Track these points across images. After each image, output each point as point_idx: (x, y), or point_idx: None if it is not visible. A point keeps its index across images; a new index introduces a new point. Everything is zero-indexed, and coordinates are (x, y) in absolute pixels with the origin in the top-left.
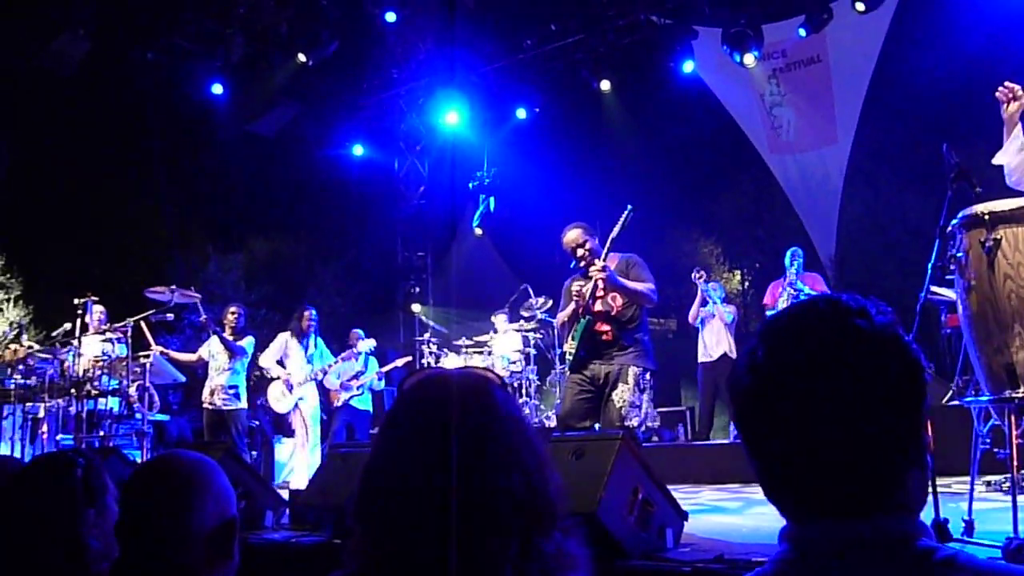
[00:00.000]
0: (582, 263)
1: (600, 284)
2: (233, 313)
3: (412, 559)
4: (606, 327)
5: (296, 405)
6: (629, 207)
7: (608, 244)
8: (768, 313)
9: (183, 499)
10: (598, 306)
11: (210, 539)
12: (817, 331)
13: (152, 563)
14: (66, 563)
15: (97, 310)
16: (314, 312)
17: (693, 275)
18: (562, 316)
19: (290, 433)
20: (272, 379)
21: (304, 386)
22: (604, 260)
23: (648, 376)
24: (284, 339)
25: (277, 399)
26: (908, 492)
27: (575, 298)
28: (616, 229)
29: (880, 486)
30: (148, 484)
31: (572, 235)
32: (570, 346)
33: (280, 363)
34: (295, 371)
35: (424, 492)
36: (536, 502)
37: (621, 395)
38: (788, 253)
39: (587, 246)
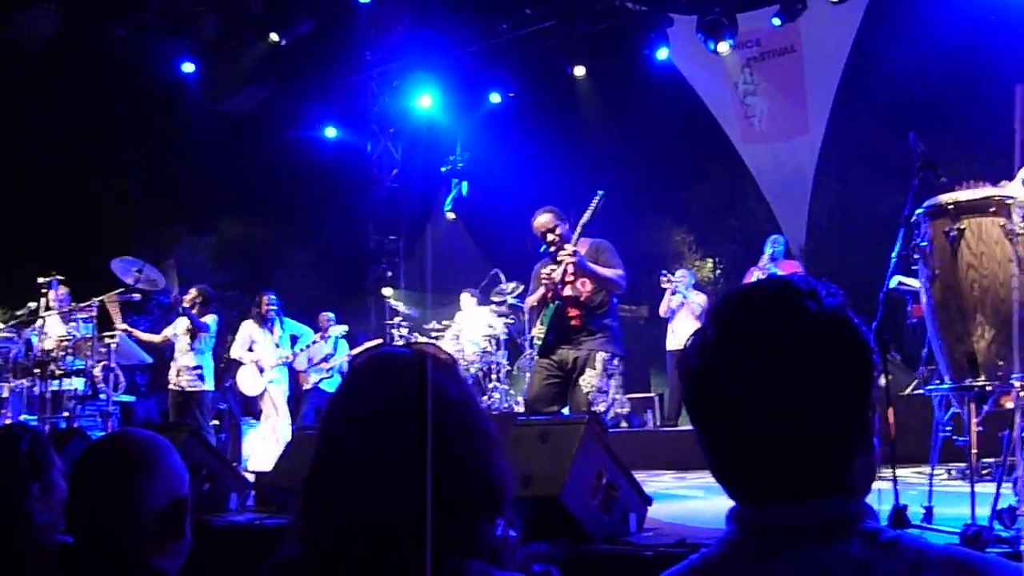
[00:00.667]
0: (552, 248)
1: (570, 269)
2: (193, 295)
3: (357, 541)
4: (575, 312)
5: (265, 388)
6: (600, 193)
7: (579, 230)
8: None
9: (132, 478)
10: (567, 291)
11: (160, 518)
12: (766, 311)
13: (101, 541)
14: (12, 534)
15: (62, 290)
16: (273, 297)
17: (661, 281)
18: (531, 300)
19: (258, 416)
20: (243, 363)
21: (275, 369)
22: (575, 245)
23: (616, 362)
24: (248, 328)
25: (247, 382)
26: (854, 474)
27: (544, 283)
28: (587, 215)
29: (826, 469)
30: (97, 463)
31: (542, 219)
32: (539, 330)
33: (250, 350)
34: (265, 355)
35: (369, 472)
36: (481, 487)
37: (588, 380)
38: (769, 240)
39: (557, 231)
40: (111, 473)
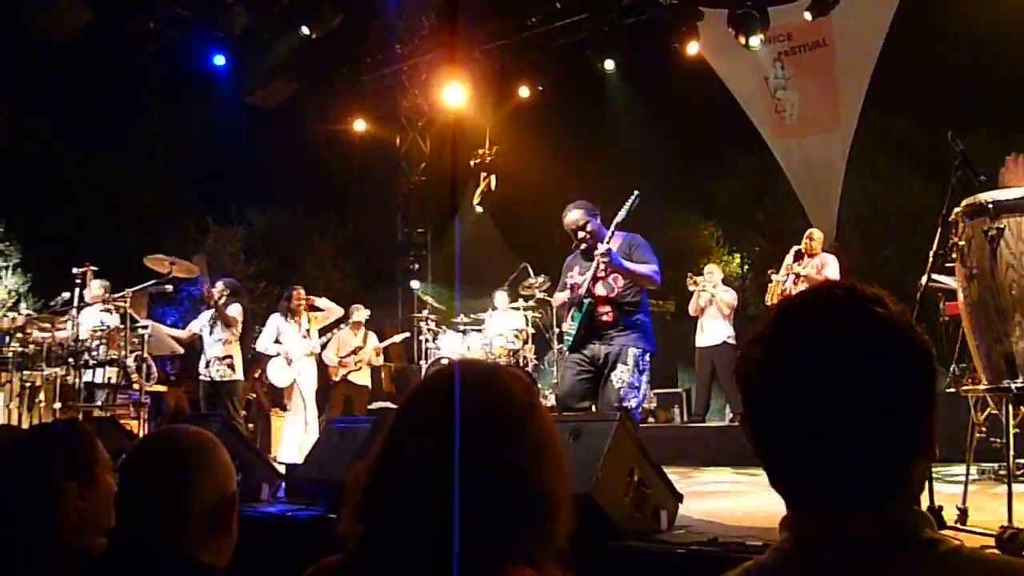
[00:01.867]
0: (583, 246)
1: (602, 265)
2: (220, 288)
3: (406, 546)
4: (607, 308)
5: (294, 380)
6: (636, 193)
7: (612, 229)
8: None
9: (183, 474)
10: (599, 288)
11: (209, 514)
12: (834, 316)
13: (150, 538)
14: (42, 537)
15: (98, 284)
16: (302, 291)
17: (687, 283)
18: (560, 297)
19: (285, 407)
20: (272, 355)
21: (303, 361)
22: (608, 242)
23: (648, 358)
24: (275, 321)
25: (276, 373)
26: (914, 482)
27: (569, 289)
28: (621, 214)
29: (889, 476)
30: (148, 459)
31: (572, 216)
32: (569, 326)
33: (277, 342)
34: (292, 347)
35: (425, 483)
36: (527, 501)
37: (620, 376)
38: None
39: (588, 228)
40: (162, 470)
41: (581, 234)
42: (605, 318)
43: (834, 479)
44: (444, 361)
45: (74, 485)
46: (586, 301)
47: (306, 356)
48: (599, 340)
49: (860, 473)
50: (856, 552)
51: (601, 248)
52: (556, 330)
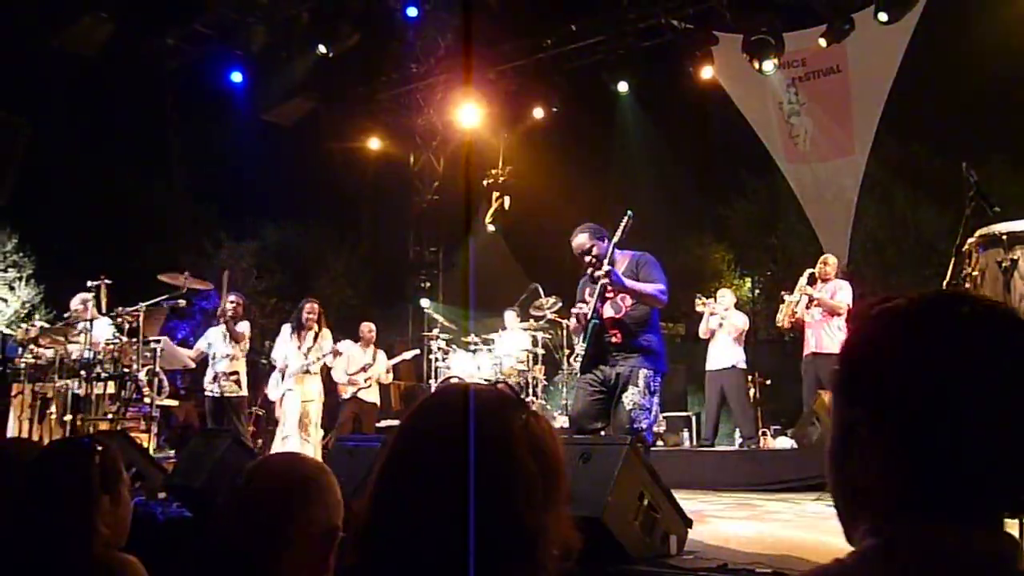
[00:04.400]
0: (589, 269)
1: (608, 286)
2: (233, 302)
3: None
4: (615, 330)
5: (283, 395)
6: (629, 213)
7: (610, 251)
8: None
9: (298, 501)
10: (607, 310)
11: (312, 547)
12: (1009, 330)
13: (253, 557)
14: (75, 549)
15: (78, 298)
16: (315, 305)
17: (696, 304)
18: (572, 323)
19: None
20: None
21: (296, 377)
22: (610, 263)
23: (659, 379)
24: (284, 333)
25: (271, 387)
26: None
27: (575, 319)
28: (616, 236)
29: (1006, 496)
30: (263, 484)
31: (578, 240)
32: (580, 347)
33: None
34: (291, 362)
35: (426, 511)
36: (512, 536)
37: (631, 397)
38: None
39: (594, 251)
40: (277, 494)
41: (587, 258)
42: (614, 339)
43: (970, 493)
44: (454, 380)
45: (107, 499)
46: (593, 323)
47: (299, 373)
48: (609, 361)
49: (995, 490)
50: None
51: (602, 270)
52: (566, 350)
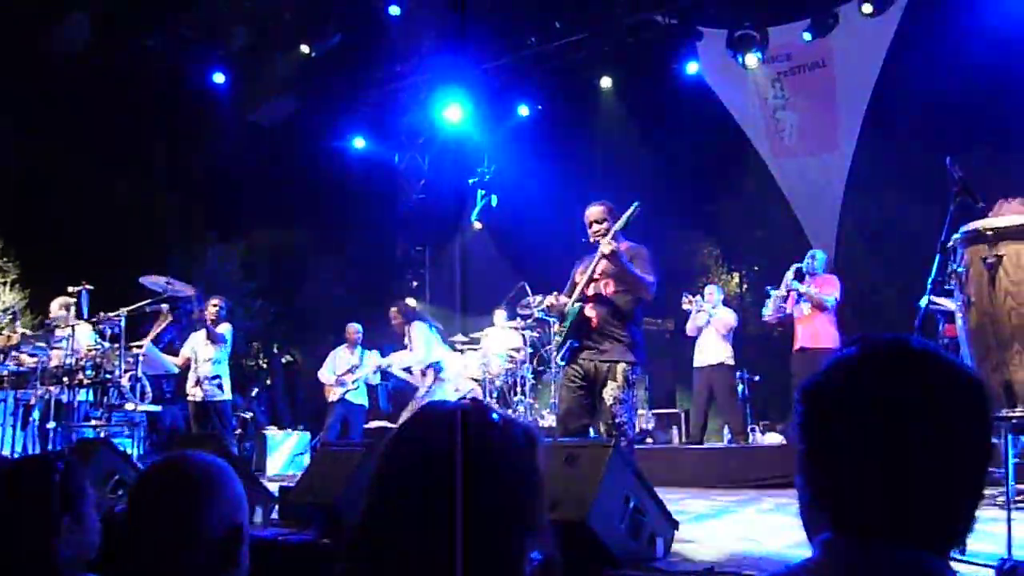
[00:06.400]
0: (595, 237)
1: (599, 268)
2: (215, 305)
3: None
4: (594, 312)
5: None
6: (636, 204)
7: (614, 230)
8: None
9: (190, 503)
10: (591, 290)
11: (216, 546)
12: (916, 368)
13: (157, 567)
14: (33, 571)
15: (58, 303)
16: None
17: (683, 302)
18: (550, 299)
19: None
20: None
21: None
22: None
23: (638, 371)
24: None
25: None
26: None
27: (556, 296)
28: (620, 223)
29: (954, 521)
30: (158, 485)
31: (593, 210)
32: (559, 329)
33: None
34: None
35: (415, 528)
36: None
37: (611, 392)
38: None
39: (605, 225)
40: (169, 498)
41: (596, 227)
42: (592, 323)
43: (906, 518)
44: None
45: (68, 518)
46: (576, 305)
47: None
48: (589, 349)
49: (929, 515)
50: None
51: (607, 239)
52: (555, 351)
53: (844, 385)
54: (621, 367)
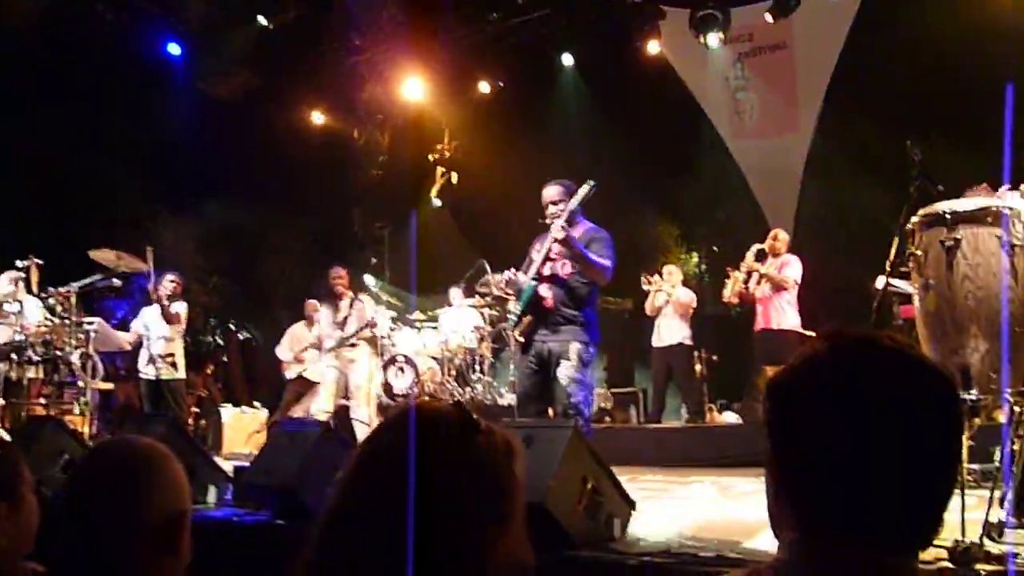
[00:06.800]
0: (551, 219)
1: (555, 248)
2: (171, 281)
3: None
4: (549, 293)
5: (300, 374)
6: (590, 183)
7: (565, 215)
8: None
9: (130, 490)
10: (547, 269)
11: (157, 533)
12: (894, 364)
13: (90, 555)
14: None
15: (6, 277)
16: (341, 270)
17: (642, 282)
18: (507, 275)
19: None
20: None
21: (334, 352)
22: (570, 224)
23: (592, 350)
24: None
25: (308, 363)
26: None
27: (510, 277)
28: (573, 201)
29: (932, 525)
30: (93, 472)
31: (548, 191)
32: (514, 306)
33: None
34: (326, 335)
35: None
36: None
37: (565, 372)
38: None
39: (560, 206)
40: (106, 484)
41: (552, 208)
42: (546, 303)
43: (875, 521)
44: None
45: (3, 507)
46: (531, 285)
47: (335, 348)
48: (543, 329)
49: (906, 520)
50: None
51: (558, 224)
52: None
53: (811, 384)
54: (575, 346)
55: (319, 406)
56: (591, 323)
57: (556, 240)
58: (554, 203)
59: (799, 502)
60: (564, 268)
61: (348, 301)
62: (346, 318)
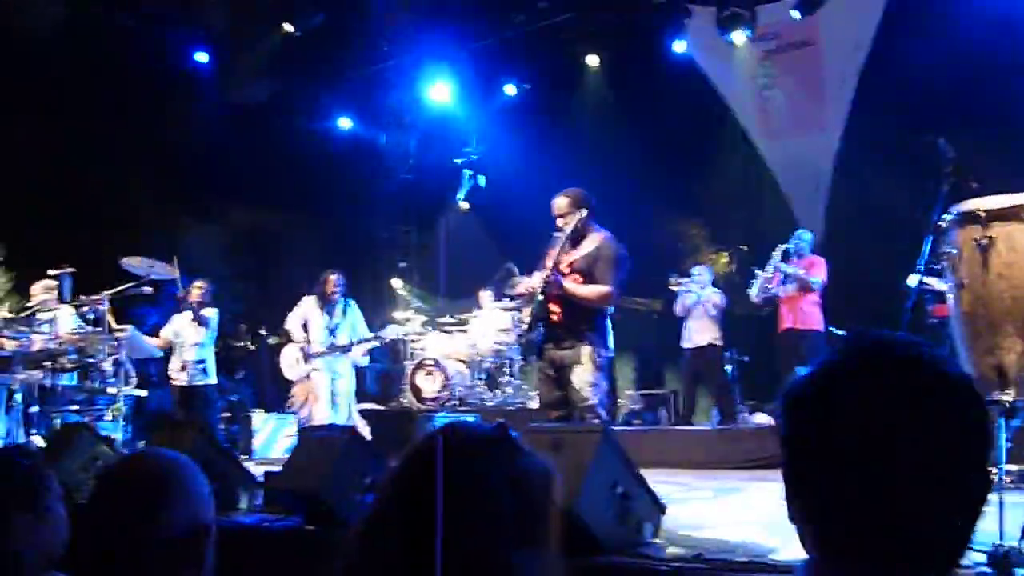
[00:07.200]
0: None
1: (563, 262)
2: (199, 288)
3: None
4: (556, 308)
5: (308, 376)
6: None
7: (544, 274)
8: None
9: (152, 502)
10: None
11: (177, 546)
12: (913, 371)
13: (113, 567)
14: None
15: (40, 286)
16: (340, 277)
17: (670, 283)
18: (520, 288)
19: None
20: (289, 342)
21: (323, 359)
22: (577, 240)
23: (603, 354)
24: (308, 304)
25: (290, 365)
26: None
27: (522, 292)
28: (568, 230)
29: (959, 543)
30: (116, 485)
31: (558, 202)
32: (526, 314)
33: (305, 329)
34: (315, 340)
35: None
36: None
37: (580, 376)
38: (793, 235)
39: (567, 219)
40: (128, 497)
41: (560, 220)
42: (554, 317)
43: (900, 540)
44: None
45: (28, 518)
46: (540, 297)
47: (326, 354)
48: (552, 343)
49: (931, 537)
50: None
51: (538, 276)
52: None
53: (825, 396)
54: (586, 350)
55: (321, 412)
56: (602, 330)
57: (541, 289)
58: (561, 216)
59: (816, 521)
60: (577, 282)
61: (341, 308)
62: (338, 324)
